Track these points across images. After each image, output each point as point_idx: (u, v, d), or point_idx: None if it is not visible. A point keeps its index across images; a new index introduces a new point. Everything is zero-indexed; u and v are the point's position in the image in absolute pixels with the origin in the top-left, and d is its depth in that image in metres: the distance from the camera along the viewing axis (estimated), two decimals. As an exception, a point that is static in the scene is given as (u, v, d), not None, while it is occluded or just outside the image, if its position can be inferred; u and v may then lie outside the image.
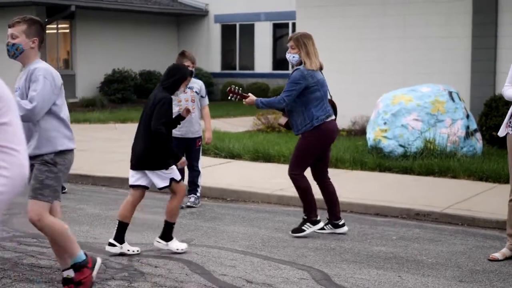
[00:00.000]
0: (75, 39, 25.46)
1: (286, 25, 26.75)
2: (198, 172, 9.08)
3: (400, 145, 11.64)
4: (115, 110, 22.79)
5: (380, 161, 11.28)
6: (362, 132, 14.28)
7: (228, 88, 7.80)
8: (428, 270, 6.31)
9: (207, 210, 8.89)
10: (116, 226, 6.74)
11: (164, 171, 6.64)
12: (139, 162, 6.69)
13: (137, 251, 6.73)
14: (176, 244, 6.77)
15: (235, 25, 28.22)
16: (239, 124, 18.12)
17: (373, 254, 6.84)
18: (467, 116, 11.98)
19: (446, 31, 15.06)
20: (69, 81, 24.60)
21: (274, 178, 10.18)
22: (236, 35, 28.30)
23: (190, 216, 8.50)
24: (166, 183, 6.66)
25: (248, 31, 27.96)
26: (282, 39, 27.41)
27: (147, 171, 6.67)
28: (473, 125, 12.08)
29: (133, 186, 6.78)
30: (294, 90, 7.30)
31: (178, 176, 6.74)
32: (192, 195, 9.06)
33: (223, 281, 5.90)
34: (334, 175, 10.79)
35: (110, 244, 6.67)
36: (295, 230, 7.55)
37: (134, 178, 6.75)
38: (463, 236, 7.67)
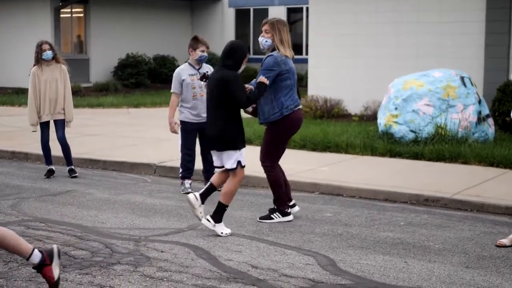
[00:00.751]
0: (89, 23, 25.48)
1: (300, 9, 26.63)
2: None
3: (411, 131, 11.58)
4: (129, 94, 22.87)
5: (390, 146, 11.23)
6: (374, 117, 14.20)
7: (202, 74, 7.86)
8: (434, 256, 6.29)
9: (216, 195, 8.86)
10: (208, 186, 7.11)
11: (236, 151, 6.86)
12: (213, 143, 6.95)
13: (201, 215, 6.99)
14: (221, 228, 6.91)
15: (249, 10, 28.13)
16: (251, 109, 18.06)
17: (380, 240, 6.83)
18: (479, 102, 11.88)
19: (459, 15, 14.92)
20: (83, 66, 24.69)
21: (283, 164, 10.11)
22: (250, 19, 28.21)
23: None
24: (234, 165, 6.88)
25: (262, 15, 27.80)
26: (296, 24, 27.29)
27: (219, 152, 6.93)
28: (485, 111, 11.99)
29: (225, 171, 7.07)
30: (269, 77, 7.20)
31: (244, 161, 6.95)
32: None
33: (228, 266, 5.91)
34: (344, 160, 10.83)
35: (201, 196, 7.02)
36: (263, 217, 7.55)
37: (215, 161, 7.08)
38: (471, 222, 7.63)
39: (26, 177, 10.10)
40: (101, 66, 25.41)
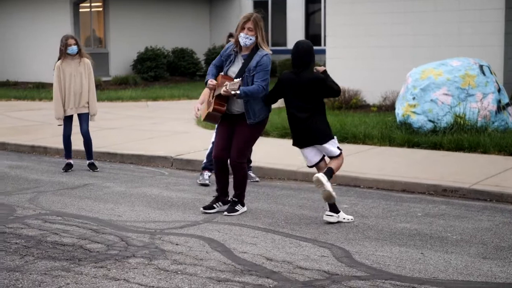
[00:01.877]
0: (108, 17, 25.55)
1: (318, 0, 26.49)
2: None
3: (430, 120, 11.47)
4: (148, 88, 22.92)
5: (408, 136, 11.13)
6: (392, 107, 14.11)
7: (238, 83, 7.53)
8: (451, 247, 6.22)
9: (232, 188, 8.86)
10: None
11: (333, 140, 7.21)
12: (316, 139, 7.16)
13: (351, 219, 7.19)
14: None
15: (267, 1, 28.03)
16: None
17: (396, 231, 6.77)
18: (499, 90, 11.74)
19: (478, 3, 14.75)
20: (102, 60, 24.76)
21: (300, 155, 10.09)
22: (268, 11, 28.10)
23: (214, 194, 8.49)
24: (338, 151, 7.19)
25: (280, 6, 27.76)
26: (314, 15, 27.16)
27: (319, 146, 7.18)
28: (505, 99, 11.84)
29: (315, 165, 7.29)
30: (269, 77, 7.29)
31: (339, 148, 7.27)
32: (250, 170, 9.26)
33: (243, 258, 5.89)
34: (361, 151, 10.76)
35: (327, 215, 7.16)
36: (229, 211, 7.48)
37: (312, 158, 7.29)
38: (490, 212, 7.54)
39: (44, 171, 10.16)
40: (120, 60, 25.49)
